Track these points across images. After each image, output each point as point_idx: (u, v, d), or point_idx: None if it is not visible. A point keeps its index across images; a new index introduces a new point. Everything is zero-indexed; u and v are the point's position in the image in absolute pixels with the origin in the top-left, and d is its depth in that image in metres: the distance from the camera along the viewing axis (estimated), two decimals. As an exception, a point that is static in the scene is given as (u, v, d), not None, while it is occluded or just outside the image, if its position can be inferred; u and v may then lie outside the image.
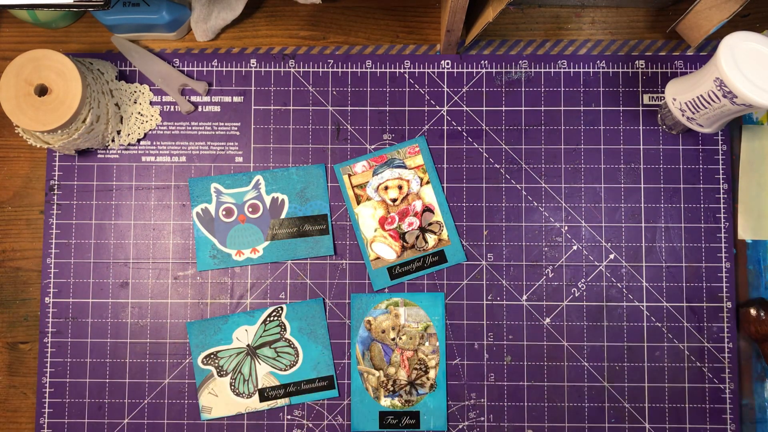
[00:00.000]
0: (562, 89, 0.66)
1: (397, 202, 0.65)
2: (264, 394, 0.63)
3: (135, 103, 0.65)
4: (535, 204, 0.65)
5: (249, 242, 0.64)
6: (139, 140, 0.66)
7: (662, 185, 0.65)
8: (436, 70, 0.66)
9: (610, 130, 0.66)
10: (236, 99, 0.66)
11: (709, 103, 0.56)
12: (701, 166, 0.65)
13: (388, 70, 0.66)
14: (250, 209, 0.64)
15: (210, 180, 0.65)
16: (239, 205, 0.64)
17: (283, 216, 0.64)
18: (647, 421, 0.63)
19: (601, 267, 0.65)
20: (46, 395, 0.64)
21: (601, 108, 0.66)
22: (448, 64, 0.66)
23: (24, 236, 0.65)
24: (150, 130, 0.66)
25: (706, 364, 0.64)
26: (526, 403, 0.63)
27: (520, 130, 0.66)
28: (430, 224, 0.65)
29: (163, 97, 0.66)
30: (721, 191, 0.65)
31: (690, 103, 0.58)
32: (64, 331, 0.64)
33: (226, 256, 0.64)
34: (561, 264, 0.64)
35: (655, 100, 0.66)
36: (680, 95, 0.59)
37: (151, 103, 0.66)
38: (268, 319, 0.64)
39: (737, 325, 0.64)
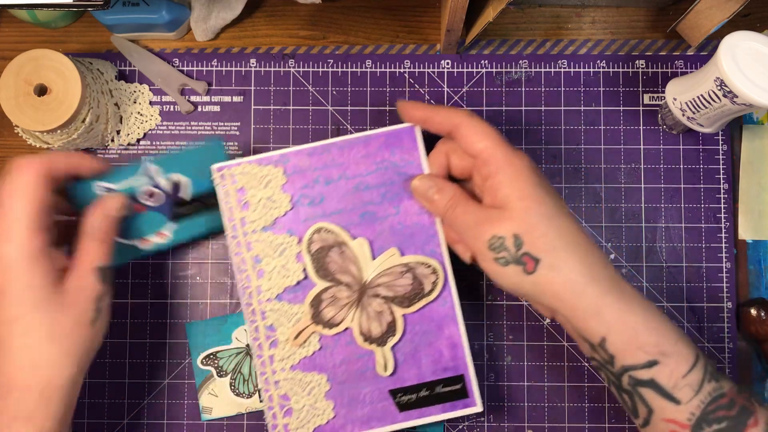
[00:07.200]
0: (563, 89, 0.66)
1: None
2: (264, 395, 0.63)
3: (135, 102, 0.65)
4: (536, 204, 0.65)
5: (151, 228, 0.59)
6: (138, 140, 0.66)
7: (662, 185, 0.65)
8: (436, 70, 0.66)
9: (611, 130, 0.66)
10: (236, 99, 0.66)
11: (709, 102, 0.56)
12: (701, 166, 0.65)
13: (388, 70, 0.66)
14: (148, 196, 0.59)
15: (92, 181, 0.58)
16: (134, 195, 0.59)
17: (186, 195, 0.59)
18: (647, 422, 0.63)
19: (601, 267, 0.64)
20: (46, 395, 0.64)
21: (602, 108, 0.66)
22: (448, 64, 0.66)
23: (23, 236, 0.65)
24: (150, 129, 0.66)
25: (707, 365, 0.63)
26: (526, 403, 0.63)
27: (520, 130, 0.66)
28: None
29: (163, 97, 0.66)
30: (722, 191, 0.65)
31: (690, 102, 0.58)
32: (64, 331, 0.64)
33: (131, 247, 0.59)
34: (561, 264, 0.64)
35: (656, 100, 0.66)
36: (681, 95, 0.59)
37: (151, 103, 0.66)
38: (268, 319, 0.64)
39: (737, 326, 0.64)
